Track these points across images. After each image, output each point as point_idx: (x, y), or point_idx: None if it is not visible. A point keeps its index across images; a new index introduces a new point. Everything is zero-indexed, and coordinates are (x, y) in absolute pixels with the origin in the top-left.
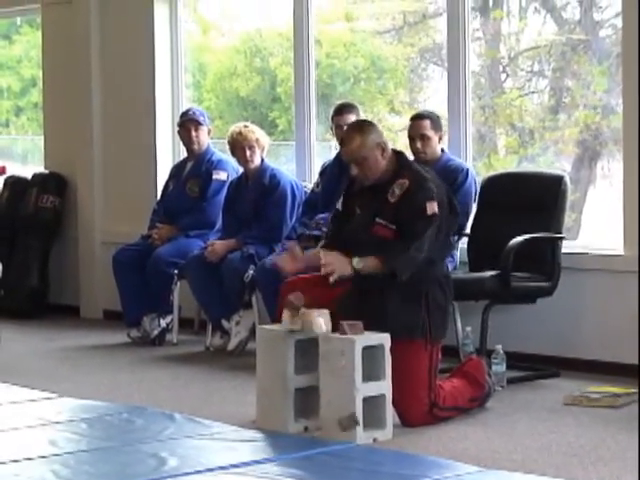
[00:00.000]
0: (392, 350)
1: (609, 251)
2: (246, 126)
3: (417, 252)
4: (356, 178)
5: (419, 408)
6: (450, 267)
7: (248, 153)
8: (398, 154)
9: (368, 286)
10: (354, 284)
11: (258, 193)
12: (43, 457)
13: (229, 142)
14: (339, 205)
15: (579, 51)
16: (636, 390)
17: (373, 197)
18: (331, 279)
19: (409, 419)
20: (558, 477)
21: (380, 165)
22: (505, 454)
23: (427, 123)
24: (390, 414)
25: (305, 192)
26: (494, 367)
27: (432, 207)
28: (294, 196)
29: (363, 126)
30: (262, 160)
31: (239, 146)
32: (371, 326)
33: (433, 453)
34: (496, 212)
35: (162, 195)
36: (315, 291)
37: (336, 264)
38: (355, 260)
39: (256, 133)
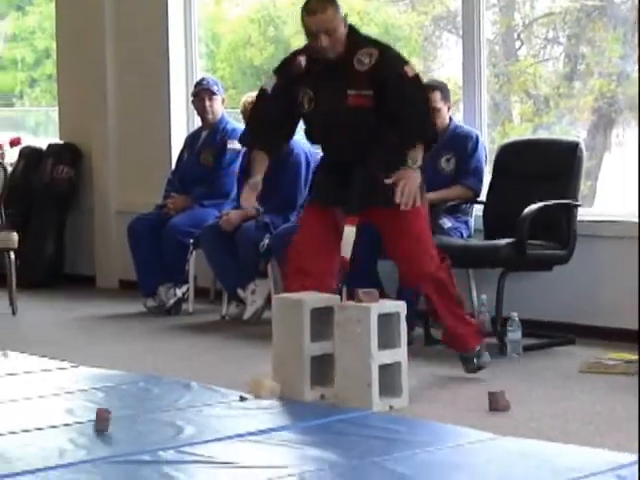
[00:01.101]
0: (392, 220)
1: (624, 218)
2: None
3: (426, 107)
4: (312, 54)
5: (433, 263)
6: (465, 234)
7: None
8: (350, 27)
9: (359, 161)
10: (332, 167)
11: (272, 162)
12: (61, 426)
13: (242, 112)
14: (269, 88)
15: (594, 18)
16: None
17: (334, 72)
18: (415, 202)
19: (425, 274)
20: (575, 444)
21: (344, 38)
22: (522, 421)
23: (437, 95)
24: (406, 381)
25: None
26: (510, 334)
27: (412, 69)
28: (308, 164)
29: None
30: None
31: None
32: (374, 199)
33: (449, 421)
34: (511, 180)
35: (177, 165)
36: (321, 254)
37: (408, 182)
38: (409, 162)
39: None
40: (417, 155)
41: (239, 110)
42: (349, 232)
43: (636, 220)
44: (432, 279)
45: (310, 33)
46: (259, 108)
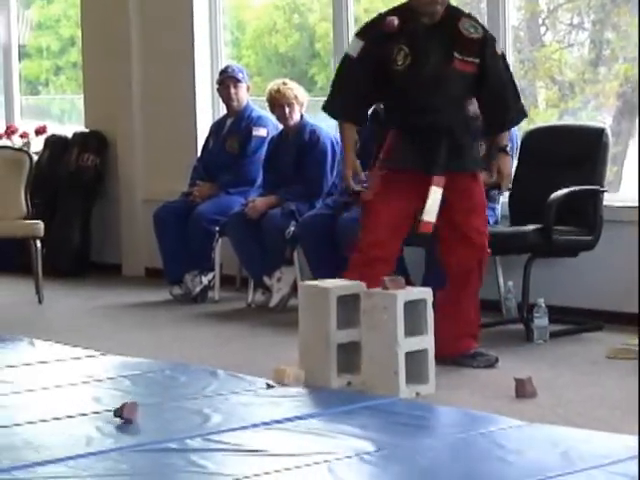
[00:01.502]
0: (470, 190)
1: None
2: (285, 83)
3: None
4: (408, 13)
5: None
6: (491, 221)
7: (287, 110)
8: None
9: (435, 127)
10: (416, 130)
11: (298, 149)
12: (90, 414)
13: (268, 100)
14: (354, 52)
15: (619, 3)
16: None
17: (438, 33)
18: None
19: (485, 250)
20: (602, 430)
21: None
22: (548, 408)
23: None
24: (433, 368)
25: None
26: (536, 321)
27: (499, 48)
28: (334, 152)
29: None
30: (301, 116)
31: (278, 104)
32: (460, 164)
33: (476, 407)
34: (537, 166)
35: (202, 152)
36: (393, 239)
37: (509, 168)
38: (508, 148)
39: (294, 90)
40: (506, 138)
41: (264, 98)
42: (436, 194)
43: None
44: (484, 259)
45: None
46: (346, 75)
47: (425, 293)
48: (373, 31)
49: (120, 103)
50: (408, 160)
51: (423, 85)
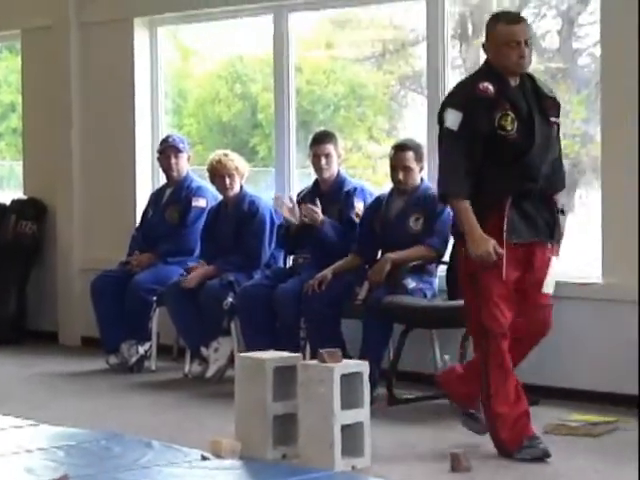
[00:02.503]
0: (548, 261)
1: (588, 279)
2: (226, 154)
3: None
4: (494, 75)
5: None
6: (429, 295)
7: (227, 181)
8: None
9: (547, 193)
10: (526, 198)
11: (237, 220)
12: None
13: (209, 170)
14: (454, 126)
15: (558, 79)
16: (614, 419)
17: (528, 96)
18: None
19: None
20: None
21: None
22: None
23: (410, 155)
24: (369, 441)
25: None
26: None
27: None
28: (272, 223)
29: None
30: (241, 187)
31: (218, 174)
32: (547, 236)
33: None
34: None
35: (141, 221)
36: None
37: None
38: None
39: (235, 161)
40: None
41: (205, 167)
42: (555, 264)
43: (600, 281)
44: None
45: (508, 43)
46: (454, 151)
47: (362, 366)
48: (469, 99)
49: (60, 171)
50: (531, 231)
51: (536, 149)
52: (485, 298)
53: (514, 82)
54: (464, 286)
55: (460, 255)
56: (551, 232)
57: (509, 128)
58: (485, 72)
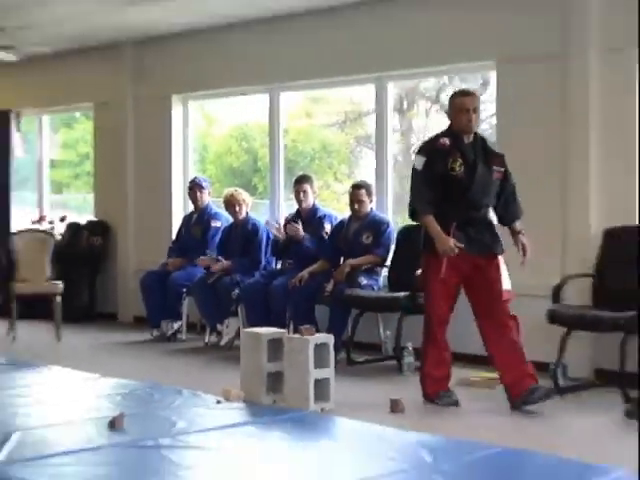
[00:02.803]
0: (485, 268)
1: None
2: (236, 190)
3: None
4: (453, 133)
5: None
6: (376, 288)
7: (237, 209)
8: None
9: (480, 221)
10: (464, 222)
11: (243, 236)
12: (90, 420)
13: (224, 201)
14: (419, 166)
15: None
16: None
17: (476, 150)
18: None
19: (509, 323)
20: (441, 434)
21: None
22: (416, 419)
23: (363, 192)
24: (333, 391)
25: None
26: (406, 359)
27: None
28: (268, 238)
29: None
30: (247, 213)
31: (231, 204)
32: (485, 248)
33: (362, 419)
34: (407, 251)
35: (176, 237)
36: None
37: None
38: (522, 231)
39: (243, 195)
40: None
41: (221, 199)
42: (504, 268)
43: None
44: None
45: (461, 110)
46: (419, 184)
47: (329, 338)
48: (431, 148)
49: (119, 201)
50: (471, 247)
51: (477, 187)
52: (429, 294)
53: (467, 139)
54: (424, 285)
55: (422, 264)
56: (495, 247)
57: (457, 169)
58: (446, 131)
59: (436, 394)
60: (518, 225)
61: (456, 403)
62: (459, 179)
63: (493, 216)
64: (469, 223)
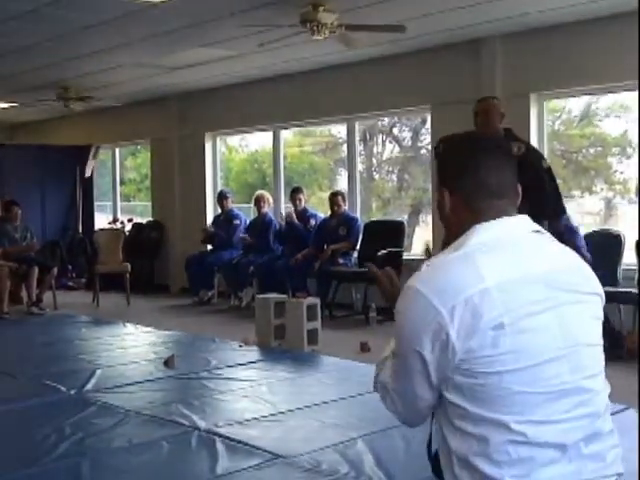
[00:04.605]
0: None
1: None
2: (262, 192)
3: None
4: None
5: None
6: (349, 265)
7: (262, 204)
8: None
9: None
10: None
11: (263, 224)
12: (150, 360)
13: (254, 198)
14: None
15: (411, 161)
16: None
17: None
18: None
19: None
20: None
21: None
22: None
23: (339, 198)
24: (321, 337)
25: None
26: (371, 314)
27: None
28: (275, 228)
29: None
30: (266, 210)
31: (258, 200)
32: None
33: (340, 356)
34: (372, 238)
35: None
36: None
37: None
38: None
39: (266, 195)
40: None
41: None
42: None
43: None
44: None
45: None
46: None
47: (317, 301)
48: None
49: (169, 208)
50: None
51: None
52: None
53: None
54: None
55: None
56: None
57: None
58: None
59: None
60: None
61: None
62: None
63: None
64: None
